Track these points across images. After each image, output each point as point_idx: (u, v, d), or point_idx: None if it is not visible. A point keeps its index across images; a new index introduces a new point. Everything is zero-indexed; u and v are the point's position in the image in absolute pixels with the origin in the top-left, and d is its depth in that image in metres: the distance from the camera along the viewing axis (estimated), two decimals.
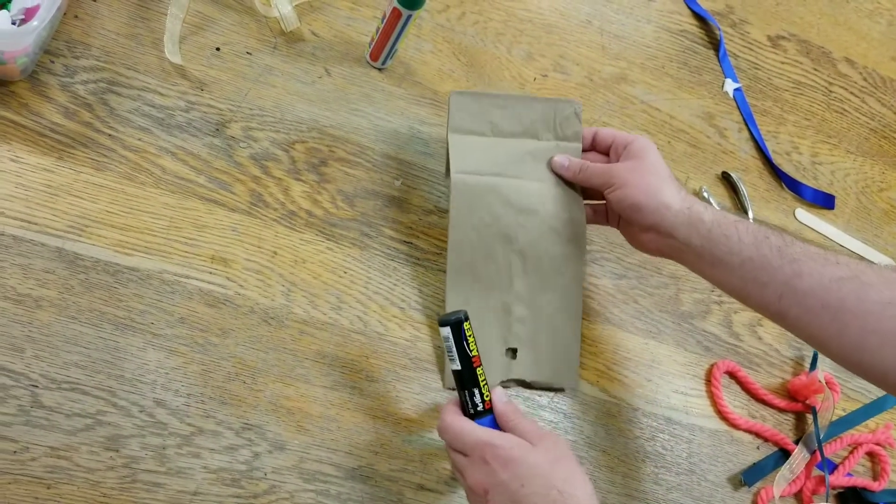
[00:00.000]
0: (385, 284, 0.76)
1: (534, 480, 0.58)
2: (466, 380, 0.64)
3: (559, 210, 0.77)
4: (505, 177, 0.77)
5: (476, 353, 0.64)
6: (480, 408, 0.64)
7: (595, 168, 0.75)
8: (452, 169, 0.75)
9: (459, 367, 0.64)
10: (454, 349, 0.64)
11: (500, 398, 0.65)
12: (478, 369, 0.64)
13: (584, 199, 0.78)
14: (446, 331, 0.64)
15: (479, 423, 0.64)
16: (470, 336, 0.64)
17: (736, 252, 0.66)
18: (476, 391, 0.64)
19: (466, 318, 0.64)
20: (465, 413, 0.65)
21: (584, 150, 0.79)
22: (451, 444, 0.64)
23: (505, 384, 0.76)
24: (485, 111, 0.78)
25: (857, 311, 0.61)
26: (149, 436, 0.64)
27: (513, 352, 0.77)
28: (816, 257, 0.64)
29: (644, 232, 0.72)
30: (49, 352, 0.64)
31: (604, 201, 0.76)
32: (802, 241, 0.66)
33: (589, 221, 0.79)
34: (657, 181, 0.71)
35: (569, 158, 0.77)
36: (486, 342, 0.75)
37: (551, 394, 0.78)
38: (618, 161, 0.75)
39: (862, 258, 0.65)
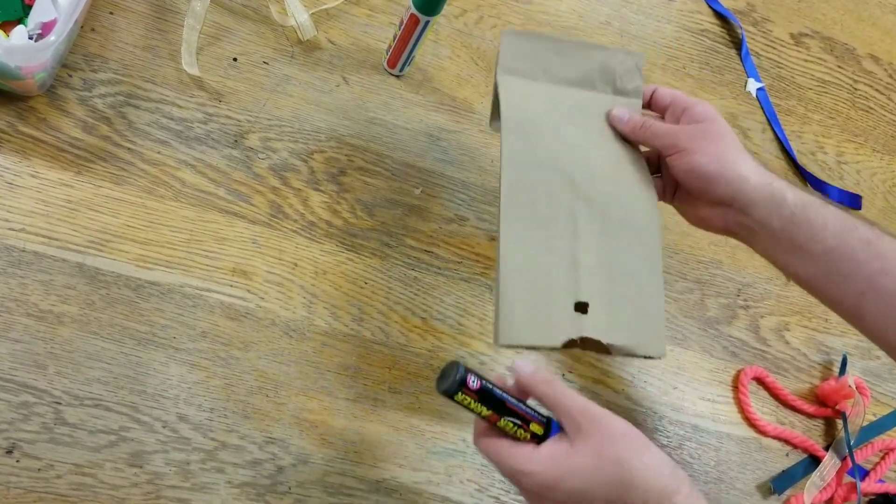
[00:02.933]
0: (406, 294, 0.75)
1: (591, 493, 0.50)
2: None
3: (623, 161, 0.68)
4: (562, 124, 0.68)
5: (489, 413, 0.53)
6: (539, 433, 0.54)
7: (659, 127, 0.65)
8: (504, 107, 0.66)
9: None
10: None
11: (523, 369, 0.55)
12: (500, 423, 0.54)
13: None
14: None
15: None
16: (469, 403, 0.53)
17: (819, 239, 0.60)
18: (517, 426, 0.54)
19: (460, 385, 0.52)
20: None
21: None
22: (495, 465, 0.55)
23: (571, 345, 0.61)
24: (539, 54, 0.68)
25: None
26: (172, 451, 0.64)
27: (583, 307, 0.62)
28: None
29: (712, 206, 0.64)
30: (71, 368, 0.64)
31: (657, 173, 0.69)
32: (892, 236, 0.60)
33: None
34: (732, 150, 0.62)
35: (629, 111, 0.67)
36: (549, 296, 0.61)
37: None
38: (678, 123, 0.66)
39: None
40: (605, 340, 0.61)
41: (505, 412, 0.53)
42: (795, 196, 0.61)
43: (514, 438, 0.54)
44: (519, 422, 0.54)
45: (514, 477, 0.53)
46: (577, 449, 0.51)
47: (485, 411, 0.53)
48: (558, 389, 0.54)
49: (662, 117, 0.68)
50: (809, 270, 0.62)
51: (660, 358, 0.64)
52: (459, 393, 0.53)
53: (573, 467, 0.51)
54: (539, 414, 0.55)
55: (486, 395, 0.53)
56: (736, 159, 0.61)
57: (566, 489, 0.50)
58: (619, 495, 0.50)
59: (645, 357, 0.64)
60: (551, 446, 0.52)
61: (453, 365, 0.54)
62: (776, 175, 0.62)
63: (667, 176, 0.69)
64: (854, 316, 0.62)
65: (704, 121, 0.64)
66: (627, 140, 0.69)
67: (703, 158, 0.62)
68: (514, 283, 0.60)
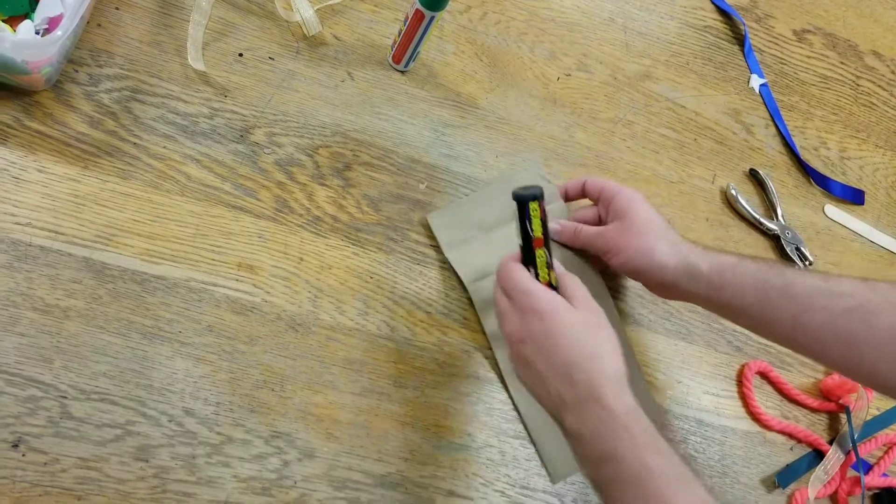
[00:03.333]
0: (411, 289, 0.75)
1: (564, 339, 0.60)
2: (525, 257, 0.65)
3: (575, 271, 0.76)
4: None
5: (539, 236, 0.64)
6: (553, 284, 0.66)
7: (588, 232, 0.75)
8: (465, 281, 0.76)
9: (521, 243, 0.65)
10: (517, 225, 0.65)
11: (561, 268, 0.67)
12: (538, 251, 0.64)
13: None
14: (514, 205, 0.65)
15: None
16: (535, 216, 0.64)
17: (739, 297, 0.68)
18: (532, 270, 0.65)
19: (537, 198, 0.64)
20: None
21: (576, 199, 0.80)
22: (501, 282, 0.66)
23: None
24: (465, 217, 0.79)
25: (869, 340, 0.63)
26: (178, 445, 0.64)
27: None
28: (821, 292, 0.65)
29: (653, 288, 0.74)
30: (78, 362, 0.64)
31: None
32: (804, 275, 0.67)
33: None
34: (649, 241, 0.70)
35: (560, 223, 0.77)
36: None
37: None
38: (607, 216, 0.75)
39: (866, 280, 0.65)
40: None
41: (546, 245, 0.65)
42: (709, 265, 0.69)
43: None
44: (549, 260, 0.65)
45: (523, 294, 0.62)
46: (579, 310, 0.62)
47: (538, 231, 0.64)
48: (576, 284, 0.66)
49: (596, 203, 0.78)
50: (743, 321, 0.71)
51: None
52: (537, 203, 0.64)
53: (572, 316, 0.61)
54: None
55: (546, 222, 0.65)
56: (654, 249, 0.70)
57: (552, 325, 0.61)
58: (586, 358, 0.59)
59: None
60: (559, 296, 0.63)
61: (535, 186, 0.64)
62: (691, 248, 0.70)
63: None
64: (792, 347, 0.70)
65: (624, 216, 0.72)
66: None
67: (627, 256, 0.71)
68: (542, 436, 0.74)
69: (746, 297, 0.67)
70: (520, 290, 0.63)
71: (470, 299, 0.76)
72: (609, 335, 0.62)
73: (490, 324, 0.75)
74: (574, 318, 0.61)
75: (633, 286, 0.83)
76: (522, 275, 0.64)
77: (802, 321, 0.65)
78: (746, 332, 0.85)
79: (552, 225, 0.75)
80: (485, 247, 0.77)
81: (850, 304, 0.64)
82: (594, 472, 0.59)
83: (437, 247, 0.77)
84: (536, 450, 0.74)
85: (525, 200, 0.64)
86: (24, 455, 0.60)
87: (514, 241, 0.68)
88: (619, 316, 0.81)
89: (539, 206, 0.64)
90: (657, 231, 0.71)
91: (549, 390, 0.61)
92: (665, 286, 0.71)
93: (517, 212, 0.64)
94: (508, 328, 0.64)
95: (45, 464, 0.61)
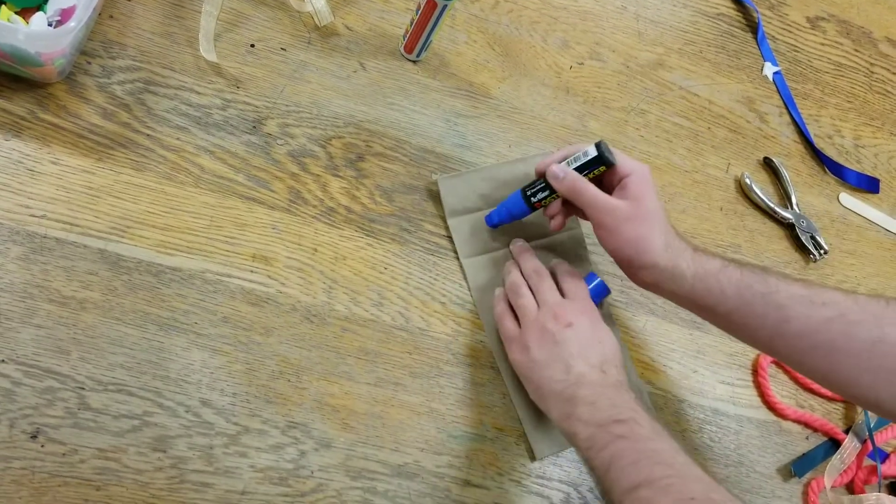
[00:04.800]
0: (426, 279, 0.75)
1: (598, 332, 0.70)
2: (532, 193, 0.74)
3: (568, 254, 0.81)
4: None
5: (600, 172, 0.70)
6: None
7: (591, 195, 0.69)
8: (460, 254, 0.77)
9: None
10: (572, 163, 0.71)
11: (566, 267, 0.76)
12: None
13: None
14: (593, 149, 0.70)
15: None
16: (592, 174, 0.70)
17: (721, 303, 0.67)
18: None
19: (607, 165, 0.69)
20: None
21: None
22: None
23: None
24: (473, 187, 0.79)
25: (848, 350, 0.62)
26: (196, 436, 0.64)
27: None
28: (802, 301, 0.64)
29: (631, 274, 0.71)
30: (95, 353, 0.64)
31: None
32: (788, 283, 0.66)
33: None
34: (647, 233, 0.68)
35: (563, 170, 0.71)
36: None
37: None
38: (611, 188, 0.71)
39: (849, 292, 0.64)
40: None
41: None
42: (695, 270, 0.68)
43: None
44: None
45: (601, 207, 0.68)
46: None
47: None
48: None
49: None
50: (721, 326, 0.70)
51: None
52: (605, 168, 0.70)
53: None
54: None
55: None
56: (649, 245, 0.68)
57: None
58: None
59: None
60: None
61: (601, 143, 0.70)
62: (684, 246, 0.69)
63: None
64: (771, 354, 0.70)
65: (638, 199, 0.69)
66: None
67: (621, 242, 0.69)
68: (527, 413, 0.73)
69: (728, 304, 0.67)
70: (601, 202, 0.69)
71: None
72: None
73: (484, 300, 0.76)
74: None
75: None
76: (595, 190, 0.69)
77: (782, 330, 0.65)
78: None
79: (553, 168, 0.71)
80: (483, 223, 0.79)
81: (830, 313, 0.63)
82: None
83: (450, 237, 0.77)
84: (523, 427, 0.73)
85: (602, 156, 0.69)
86: (42, 446, 0.61)
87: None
88: (635, 306, 0.81)
89: (600, 171, 0.70)
90: (656, 223, 0.69)
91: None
92: (644, 279, 0.70)
93: (587, 156, 0.69)
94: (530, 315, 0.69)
95: (64, 455, 0.61)
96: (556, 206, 0.74)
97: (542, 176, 0.73)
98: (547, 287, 0.72)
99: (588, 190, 0.69)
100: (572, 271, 0.75)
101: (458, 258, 0.77)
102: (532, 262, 0.75)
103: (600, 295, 0.78)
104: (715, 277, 0.67)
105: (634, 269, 0.70)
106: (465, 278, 0.77)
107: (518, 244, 0.78)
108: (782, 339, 0.65)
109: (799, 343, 0.65)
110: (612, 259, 0.71)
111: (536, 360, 0.68)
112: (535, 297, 0.72)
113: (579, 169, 0.70)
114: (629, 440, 0.60)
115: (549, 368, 0.67)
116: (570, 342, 0.67)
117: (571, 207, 0.74)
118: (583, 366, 0.66)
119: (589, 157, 0.69)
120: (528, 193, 0.74)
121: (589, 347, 0.68)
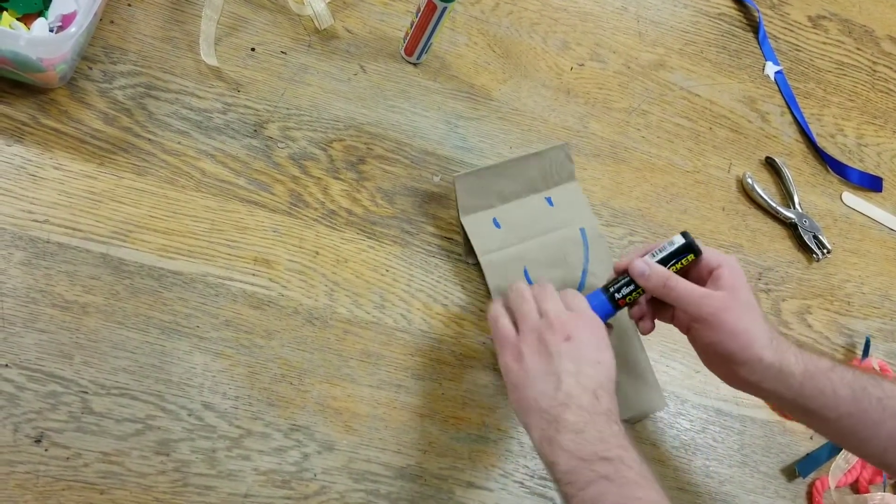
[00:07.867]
0: (427, 281, 0.75)
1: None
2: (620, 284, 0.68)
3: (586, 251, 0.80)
4: (527, 240, 0.78)
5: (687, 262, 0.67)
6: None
7: (683, 289, 0.64)
8: (477, 252, 0.76)
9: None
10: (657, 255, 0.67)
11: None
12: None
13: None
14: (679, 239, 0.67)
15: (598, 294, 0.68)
16: (681, 264, 0.67)
17: (832, 407, 0.61)
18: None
19: (695, 253, 0.66)
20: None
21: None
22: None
23: None
24: (488, 184, 0.77)
25: None
26: (198, 439, 0.64)
27: None
28: None
29: (728, 373, 0.66)
30: (97, 358, 0.64)
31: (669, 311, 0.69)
32: None
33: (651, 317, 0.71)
34: (750, 325, 0.62)
35: (648, 265, 0.66)
36: None
37: None
38: (699, 282, 0.66)
39: None
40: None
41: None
42: (804, 368, 0.62)
43: None
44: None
45: (697, 300, 0.63)
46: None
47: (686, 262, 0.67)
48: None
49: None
50: (828, 433, 0.65)
51: (664, 408, 0.78)
52: (693, 257, 0.66)
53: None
54: None
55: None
56: (755, 338, 0.62)
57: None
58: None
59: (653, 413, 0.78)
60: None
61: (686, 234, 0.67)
62: (787, 344, 0.63)
63: (688, 335, 0.68)
64: (883, 468, 0.65)
65: (730, 286, 0.64)
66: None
67: (725, 337, 0.62)
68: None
69: (840, 408, 0.61)
70: (698, 297, 0.63)
71: (487, 285, 0.76)
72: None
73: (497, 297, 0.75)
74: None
75: None
76: (690, 286, 0.64)
77: None
78: None
79: (637, 263, 0.67)
80: (501, 219, 0.78)
81: None
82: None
83: (451, 239, 0.77)
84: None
85: (691, 245, 0.66)
86: (46, 450, 0.61)
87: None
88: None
89: (686, 262, 0.66)
90: (758, 315, 0.63)
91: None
92: (745, 380, 0.63)
93: (673, 245, 0.67)
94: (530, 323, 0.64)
95: (68, 458, 0.61)
96: (641, 307, 0.69)
97: (621, 274, 0.69)
98: (550, 296, 0.66)
99: (680, 283, 0.64)
100: (578, 293, 0.68)
101: (462, 259, 0.77)
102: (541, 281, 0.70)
103: (609, 315, 0.70)
104: (826, 377, 0.61)
105: (735, 366, 0.63)
106: (483, 276, 0.76)
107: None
108: None
109: None
110: (701, 361, 0.67)
111: (528, 370, 0.62)
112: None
113: (663, 261, 0.66)
114: (614, 483, 0.55)
115: (539, 381, 0.61)
116: (566, 356, 0.61)
117: (659, 306, 0.69)
118: (574, 386, 0.60)
119: (675, 247, 0.66)
120: (612, 290, 0.68)
121: (585, 366, 0.61)
